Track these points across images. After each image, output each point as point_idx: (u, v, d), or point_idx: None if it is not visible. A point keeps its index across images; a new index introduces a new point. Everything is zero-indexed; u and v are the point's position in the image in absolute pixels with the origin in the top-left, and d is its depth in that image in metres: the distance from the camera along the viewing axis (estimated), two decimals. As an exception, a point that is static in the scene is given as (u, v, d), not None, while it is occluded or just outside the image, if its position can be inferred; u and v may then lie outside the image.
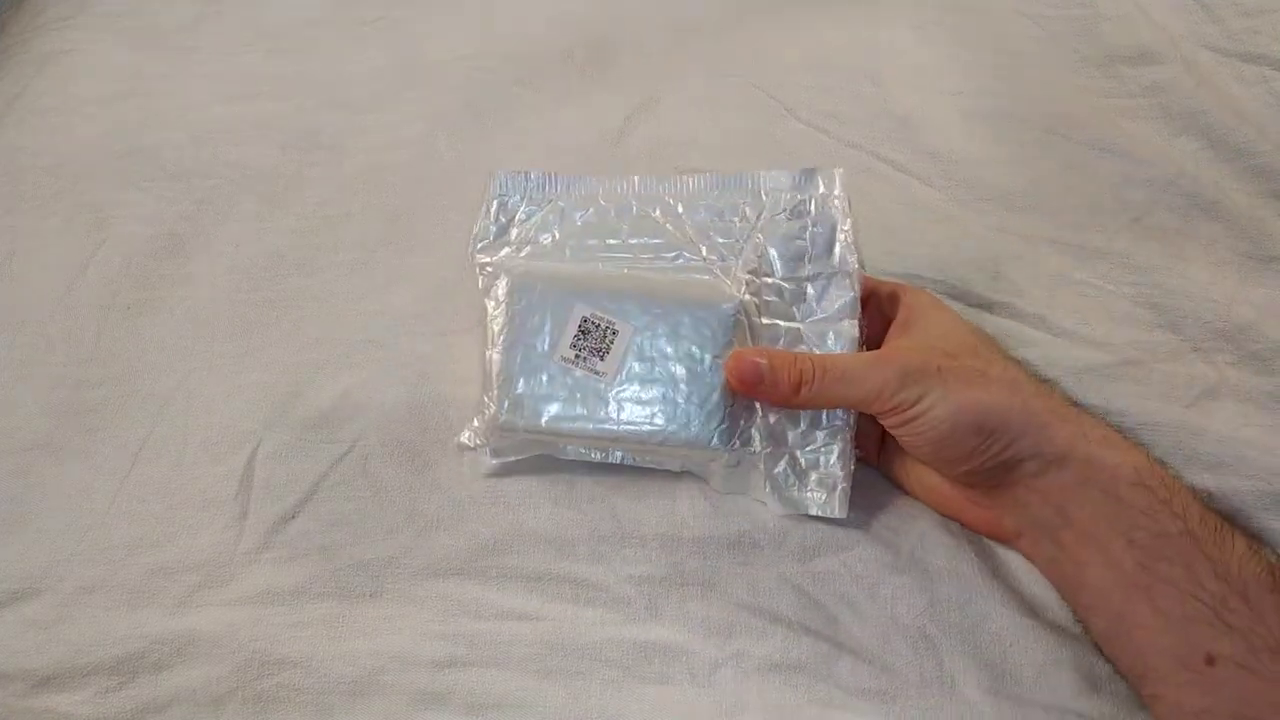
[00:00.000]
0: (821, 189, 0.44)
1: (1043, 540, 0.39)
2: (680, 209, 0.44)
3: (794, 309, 0.43)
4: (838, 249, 0.43)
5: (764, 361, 0.39)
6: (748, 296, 0.42)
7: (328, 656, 0.39)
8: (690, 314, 0.41)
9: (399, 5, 0.65)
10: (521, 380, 0.41)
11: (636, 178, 0.45)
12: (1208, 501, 0.39)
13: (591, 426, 0.40)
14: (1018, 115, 0.56)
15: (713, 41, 0.62)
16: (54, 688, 0.39)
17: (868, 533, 0.41)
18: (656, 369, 0.41)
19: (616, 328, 0.41)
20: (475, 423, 0.42)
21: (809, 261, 0.43)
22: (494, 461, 0.43)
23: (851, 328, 0.42)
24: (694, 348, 0.41)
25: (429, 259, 0.51)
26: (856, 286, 0.42)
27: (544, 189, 0.45)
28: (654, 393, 0.41)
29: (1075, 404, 0.42)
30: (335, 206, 0.54)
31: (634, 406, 0.41)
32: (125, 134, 0.58)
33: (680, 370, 0.41)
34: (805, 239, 0.43)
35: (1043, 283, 0.48)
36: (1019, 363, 0.43)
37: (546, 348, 0.41)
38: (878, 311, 0.44)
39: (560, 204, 0.44)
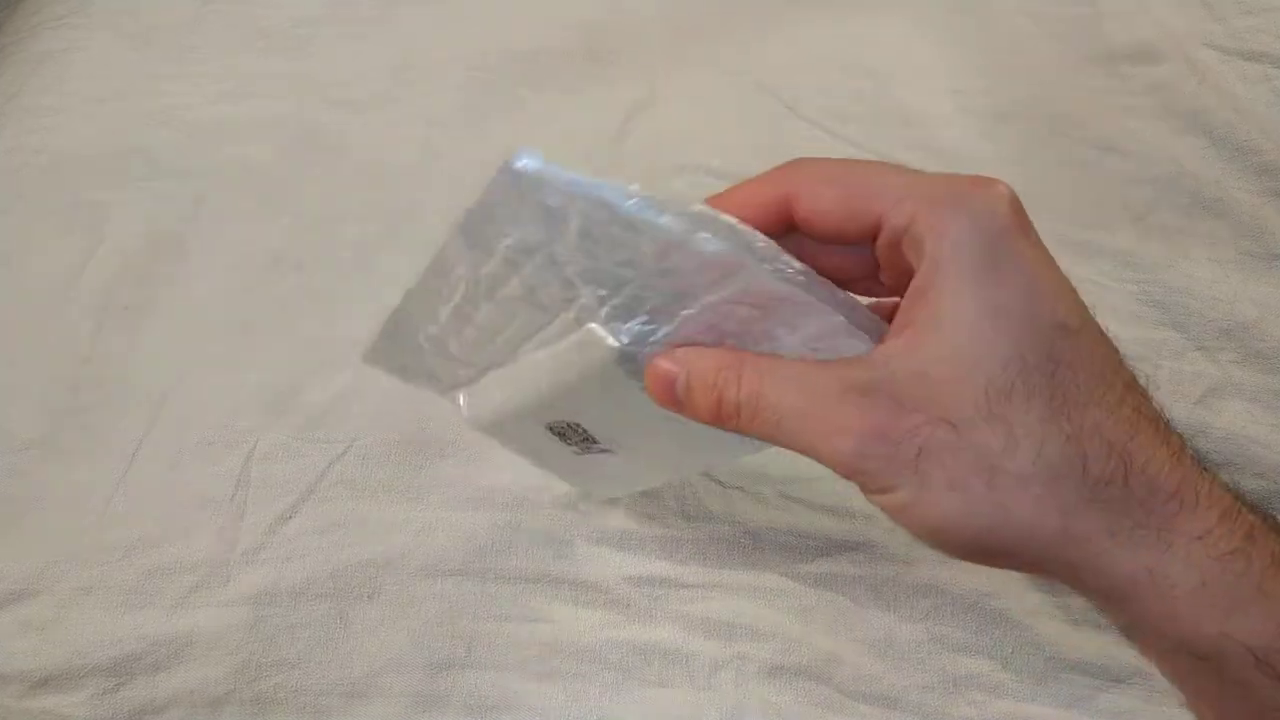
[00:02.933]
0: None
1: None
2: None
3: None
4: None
5: (681, 376, 0.28)
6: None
7: (326, 658, 0.39)
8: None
9: (399, 4, 0.65)
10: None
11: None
12: None
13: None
14: (1019, 114, 0.55)
15: (713, 39, 0.62)
16: (51, 689, 0.39)
17: (870, 535, 0.41)
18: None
19: (581, 424, 0.35)
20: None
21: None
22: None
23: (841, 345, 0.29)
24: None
25: (428, 259, 0.51)
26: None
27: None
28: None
29: (1211, 488, 0.25)
30: (334, 206, 0.54)
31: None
32: (123, 133, 0.58)
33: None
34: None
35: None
36: (1121, 404, 0.26)
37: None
38: (891, 261, 0.28)
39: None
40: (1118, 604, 0.25)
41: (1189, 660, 0.25)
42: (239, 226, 0.53)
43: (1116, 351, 0.27)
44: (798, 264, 0.27)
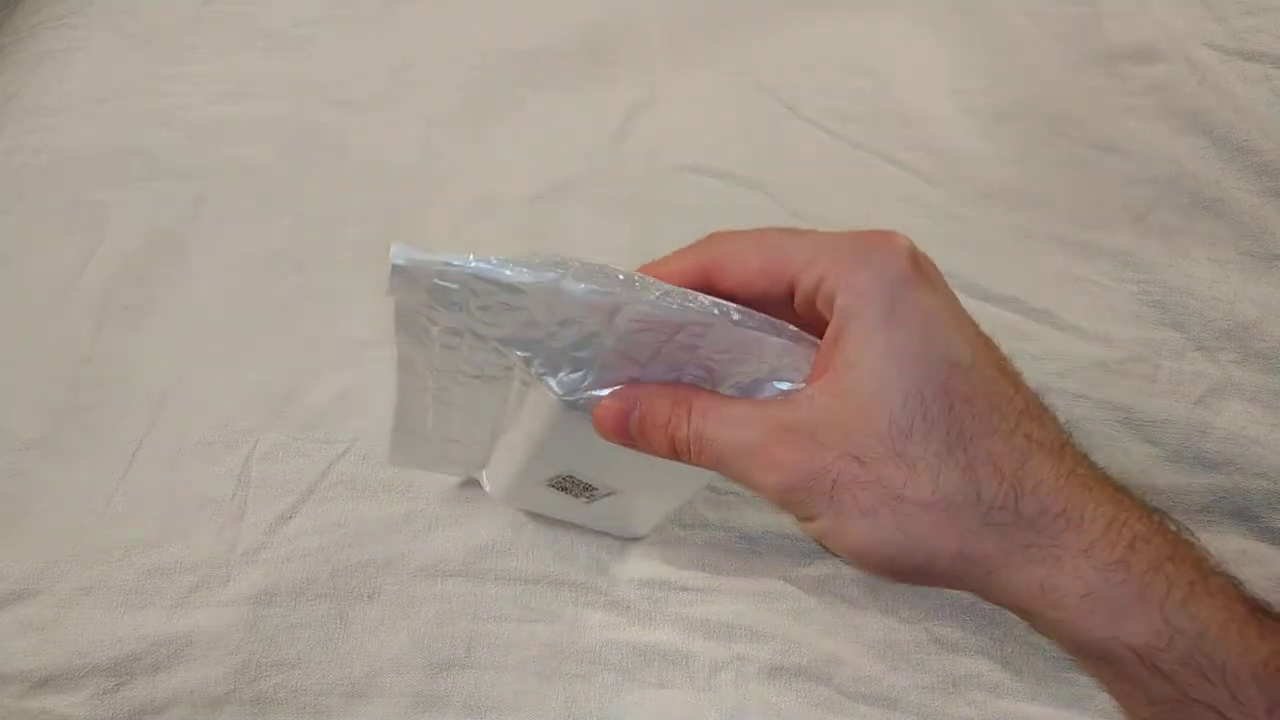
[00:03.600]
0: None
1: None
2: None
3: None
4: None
5: (634, 414, 0.31)
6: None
7: (326, 658, 0.39)
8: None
9: (399, 4, 0.65)
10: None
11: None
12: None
13: None
14: (1020, 113, 0.55)
15: (713, 39, 0.62)
16: (51, 689, 0.39)
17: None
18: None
19: (573, 475, 0.37)
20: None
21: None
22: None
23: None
24: None
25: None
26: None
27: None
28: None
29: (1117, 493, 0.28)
30: (334, 206, 0.54)
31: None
32: (123, 133, 0.57)
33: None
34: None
35: (1046, 280, 0.48)
36: (1014, 433, 0.28)
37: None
38: (810, 317, 0.30)
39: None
40: (1021, 614, 0.28)
41: (1088, 660, 0.27)
42: (239, 226, 0.53)
43: (1012, 382, 0.29)
44: (693, 294, 0.29)
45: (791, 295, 0.30)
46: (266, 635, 0.39)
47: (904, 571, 0.28)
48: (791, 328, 0.30)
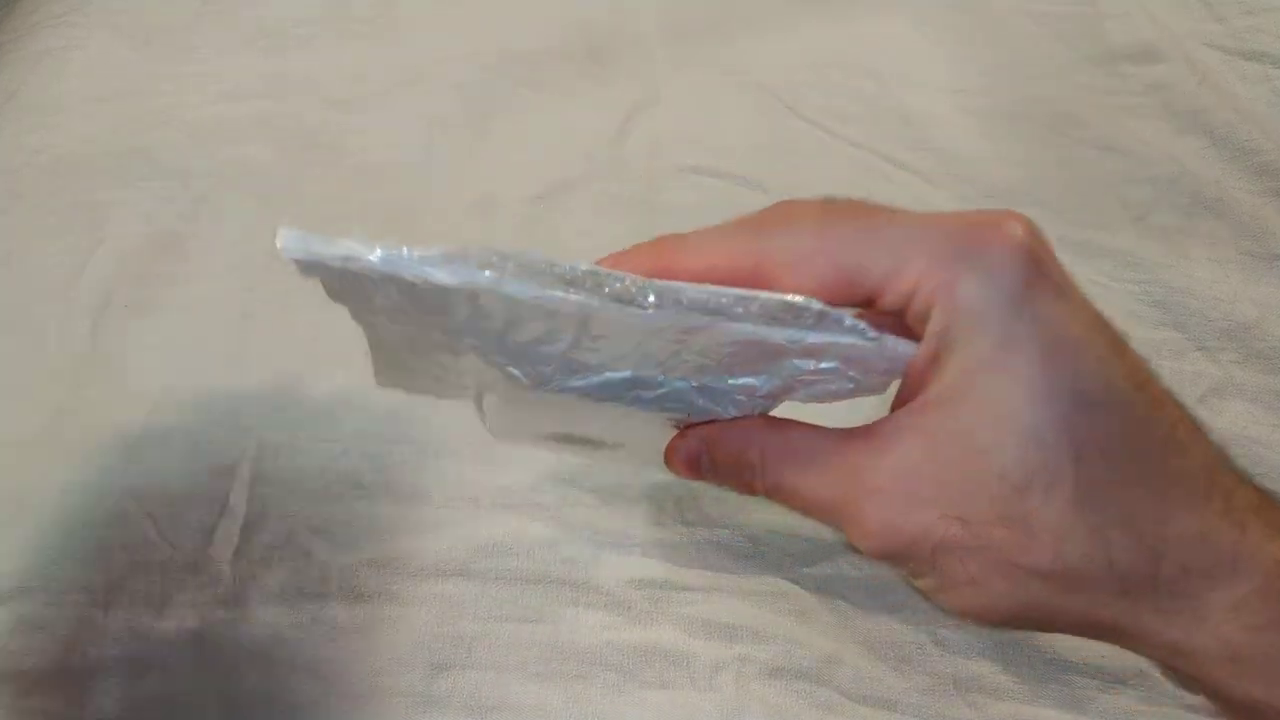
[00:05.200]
0: None
1: None
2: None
3: None
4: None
5: (704, 458, 0.28)
6: None
7: (326, 658, 0.39)
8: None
9: (398, 4, 0.65)
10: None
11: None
12: None
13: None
14: (1020, 113, 0.55)
15: (714, 39, 0.62)
16: (49, 688, 0.39)
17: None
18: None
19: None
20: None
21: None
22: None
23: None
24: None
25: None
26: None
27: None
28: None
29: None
30: (334, 206, 0.54)
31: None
32: (122, 132, 0.57)
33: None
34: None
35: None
36: (1159, 476, 0.23)
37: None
38: (891, 326, 0.25)
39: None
40: (1154, 662, 0.25)
41: (1225, 708, 0.25)
42: (239, 226, 0.53)
43: (1156, 406, 0.23)
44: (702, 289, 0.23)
45: (867, 305, 0.25)
46: (266, 635, 0.39)
47: (1024, 628, 0.26)
48: (860, 323, 0.24)
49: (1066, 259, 0.24)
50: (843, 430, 0.26)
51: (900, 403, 0.25)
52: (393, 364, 0.32)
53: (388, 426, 0.45)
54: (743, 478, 0.27)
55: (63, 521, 0.43)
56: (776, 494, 0.27)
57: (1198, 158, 0.52)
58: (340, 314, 0.50)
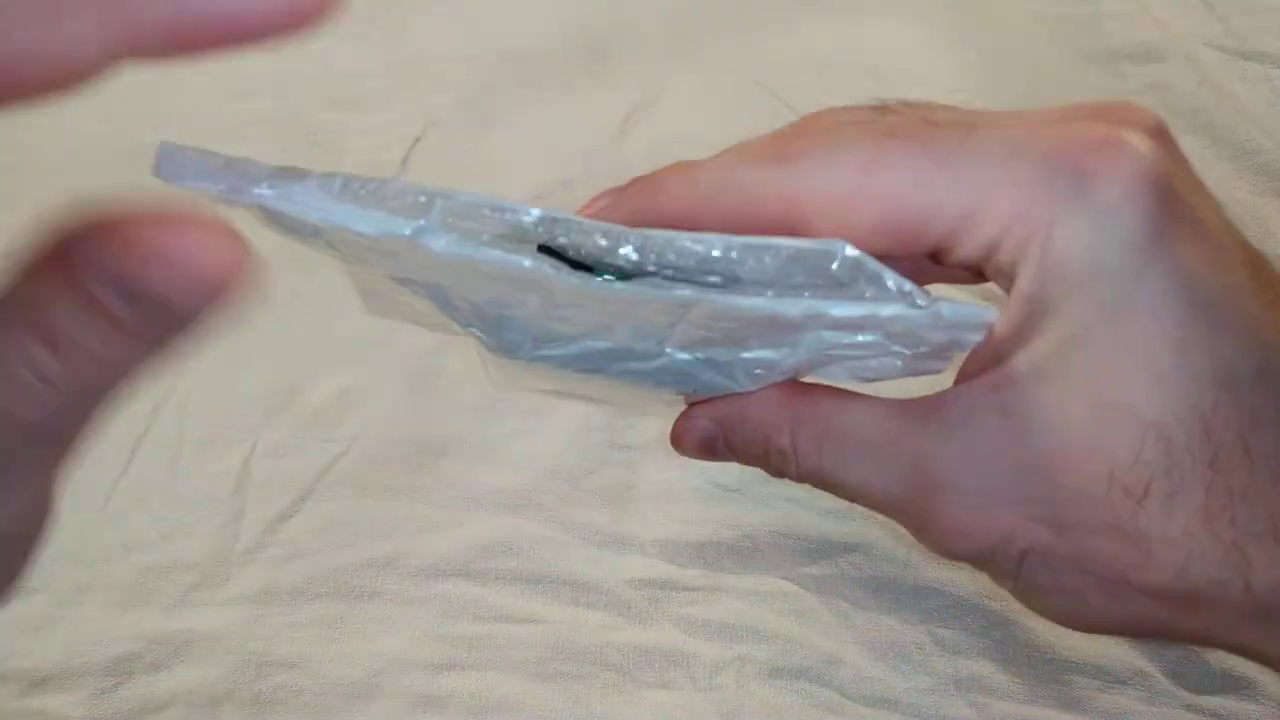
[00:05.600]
0: None
1: None
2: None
3: None
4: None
5: (719, 441, 0.24)
6: None
7: (326, 658, 0.39)
8: None
9: (397, 3, 0.65)
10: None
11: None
12: None
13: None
14: (1020, 113, 0.55)
15: (713, 39, 0.62)
16: (49, 689, 0.39)
17: (870, 537, 0.41)
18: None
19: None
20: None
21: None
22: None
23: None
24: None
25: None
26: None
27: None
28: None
29: None
30: (334, 205, 0.54)
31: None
32: (123, 132, 0.57)
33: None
34: None
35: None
36: None
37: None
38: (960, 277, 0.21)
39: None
40: None
41: None
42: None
43: None
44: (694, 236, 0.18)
45: (937, 260, 0.20)
46: (266, 635, 0.39)
47: (1121, 635, 0.21)
48: (907, 284, 0.18)
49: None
50: (894, 404, 0.21)
51: (968, 374, 0.20)
52: (372, 293, 0.27)
53: (386, 426, 0.45)
54: (770, 464, 0.22)
55: (62, 520, 0.43)
56: (815, 483, 0.22)
57: (1198, 158, 0.51)
58: (340, 315, 0.50)
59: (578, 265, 0.18)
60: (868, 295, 0.18)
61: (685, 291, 0.18)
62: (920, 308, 0.18)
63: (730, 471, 0.43)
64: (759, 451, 0.22)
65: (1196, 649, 0.37)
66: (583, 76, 0.60)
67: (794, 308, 0.18)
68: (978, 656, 0.38)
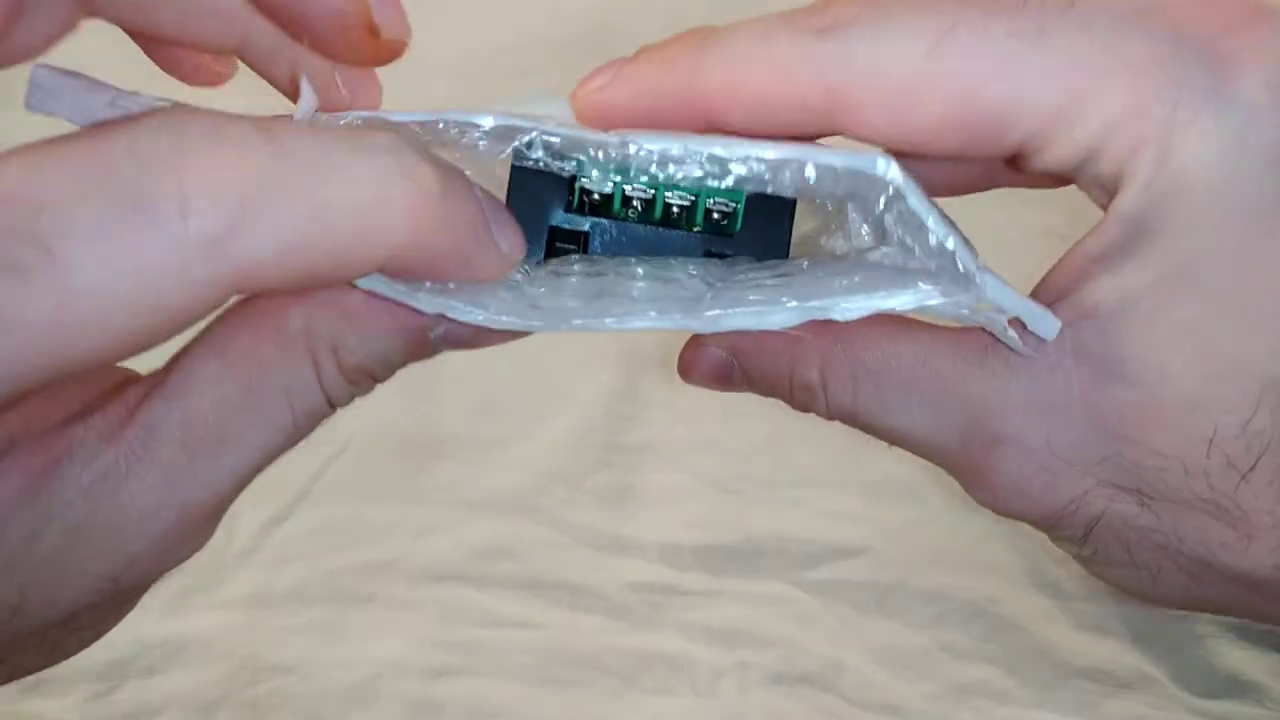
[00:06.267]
0: None
1: None
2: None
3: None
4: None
5: (735, 373, 0.20)
6: None
7: (321, 662, 0.39)
8: None
9: None
10: None
11: None
12: None
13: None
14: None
15: (714, 33, 0.62)
16: (41, 693, 0.38)
17: (873, 541, 0.41)
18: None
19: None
20: None
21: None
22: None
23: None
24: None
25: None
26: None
27: None
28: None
29: None
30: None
31: None
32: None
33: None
34: None
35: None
36: None
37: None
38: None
39: None
40: None
41: None
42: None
43: None
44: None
45: (1015, 165, 0.16)
46: (261, 639, 0.39)
47: (1190, 610, 0.19)
48: (951, 238, 0.16)
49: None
50: (945, 335, 0.18)
51: (1039, 300, 0.17)
52: None
53: (386, 428, 0.44)
54: (794, 398, 0.19)
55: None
56: (849, 423, 0.19)
57: None
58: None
59: (558, 181, 0.17)
60: (906, 252, 0.15)
61: (673, 318, 0.16)
62: (965, 290, 0.15)
63: (732, 473, 0.42)
64: (782, 384, 0.19)
65: (1203, 654, 0.37)
66: (582, 70, 0.60)
67: (795, 317, 0.16)
68: (982, 662, 0.38)
